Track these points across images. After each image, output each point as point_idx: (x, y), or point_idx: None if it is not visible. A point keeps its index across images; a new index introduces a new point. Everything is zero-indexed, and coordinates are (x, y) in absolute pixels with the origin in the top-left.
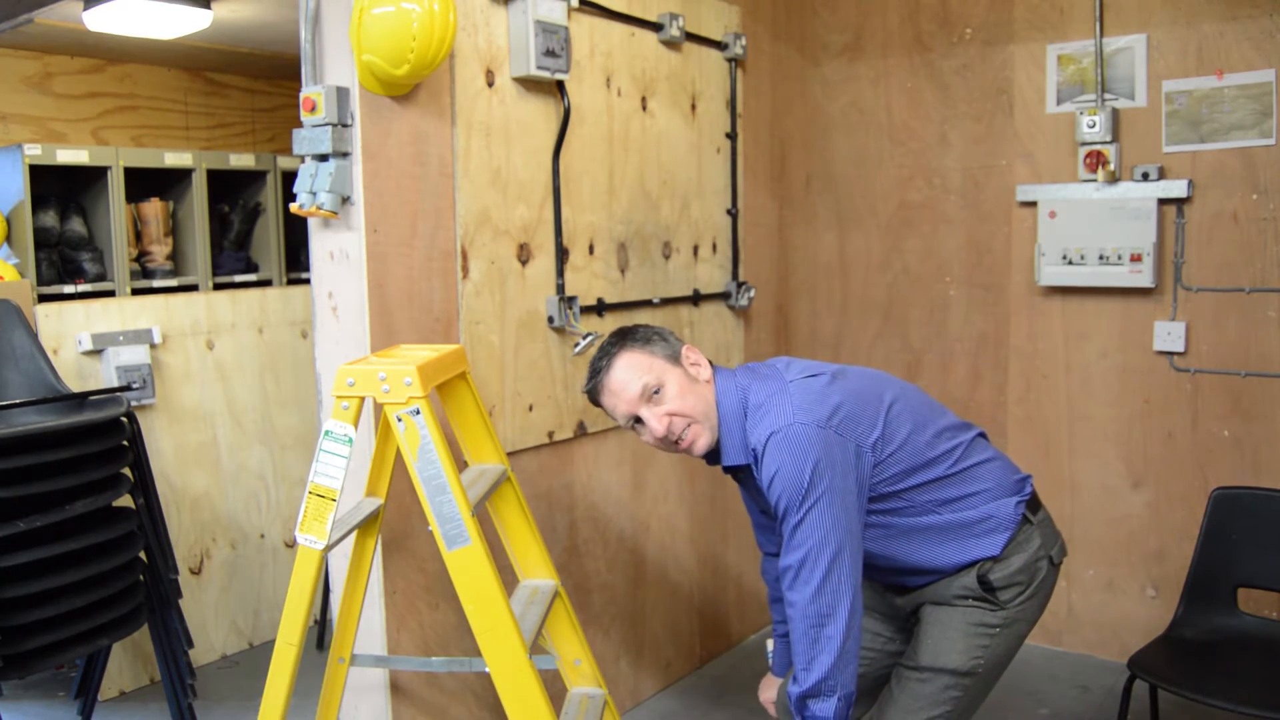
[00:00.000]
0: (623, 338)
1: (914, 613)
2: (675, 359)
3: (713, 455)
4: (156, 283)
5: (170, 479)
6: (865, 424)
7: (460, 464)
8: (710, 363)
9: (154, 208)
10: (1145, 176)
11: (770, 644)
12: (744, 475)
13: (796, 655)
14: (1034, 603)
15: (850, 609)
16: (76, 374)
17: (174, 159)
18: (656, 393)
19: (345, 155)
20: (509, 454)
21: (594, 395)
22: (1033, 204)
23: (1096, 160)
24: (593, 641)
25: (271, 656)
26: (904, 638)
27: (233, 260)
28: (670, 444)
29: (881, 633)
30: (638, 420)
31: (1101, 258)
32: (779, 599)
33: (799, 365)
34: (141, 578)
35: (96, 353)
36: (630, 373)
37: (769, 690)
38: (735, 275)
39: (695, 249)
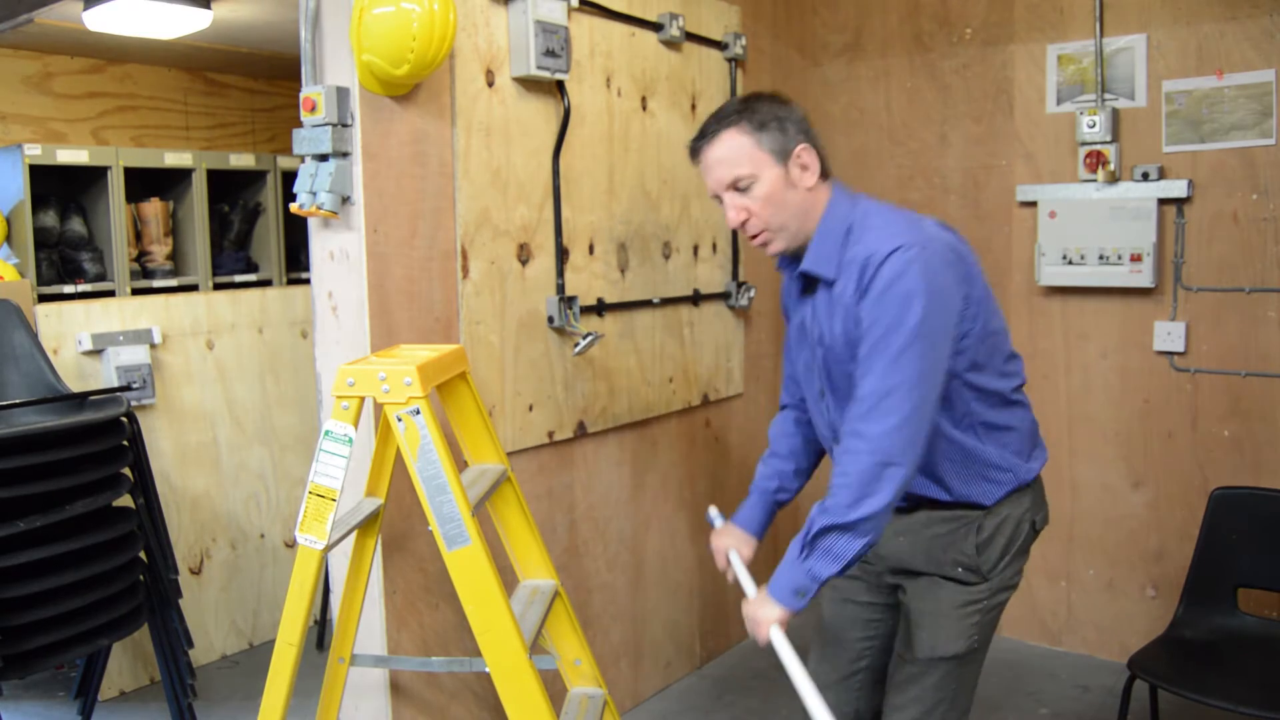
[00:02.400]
0: (743, 112)
1: (894, 580)
2: (783, 156)
3: (789, 263)
4: (156, 283)
5: (170, 479)
6: (977, 289)
7: (460, 464)
8: (828, 173)
9: (154, 208)
10: (1145, 176)
11: (714, 509)
12: (808, 292)
13: (844, 487)
14: (1013, 566)
15: (917, 459)
16: (76, 374)
17: (174, 159)
18: (747, 186)
19: (345, 155)
20: (509, 454)
21: (693, 154)
22: (1033, 204)
23: (1096, 160)
24: (593, 641)
25: (271, 656)
26: (890, 612)
27: (233, 260)
28: (745, 235)
29: (873, 617)
30: (720, 198)
31: (1101, 258)
32: (778, 454)
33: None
34: (141, 578)
35: (96, 353)
36: (728, 154)
37: (727, 538)
38: (735, 275)
39: (695, 249)
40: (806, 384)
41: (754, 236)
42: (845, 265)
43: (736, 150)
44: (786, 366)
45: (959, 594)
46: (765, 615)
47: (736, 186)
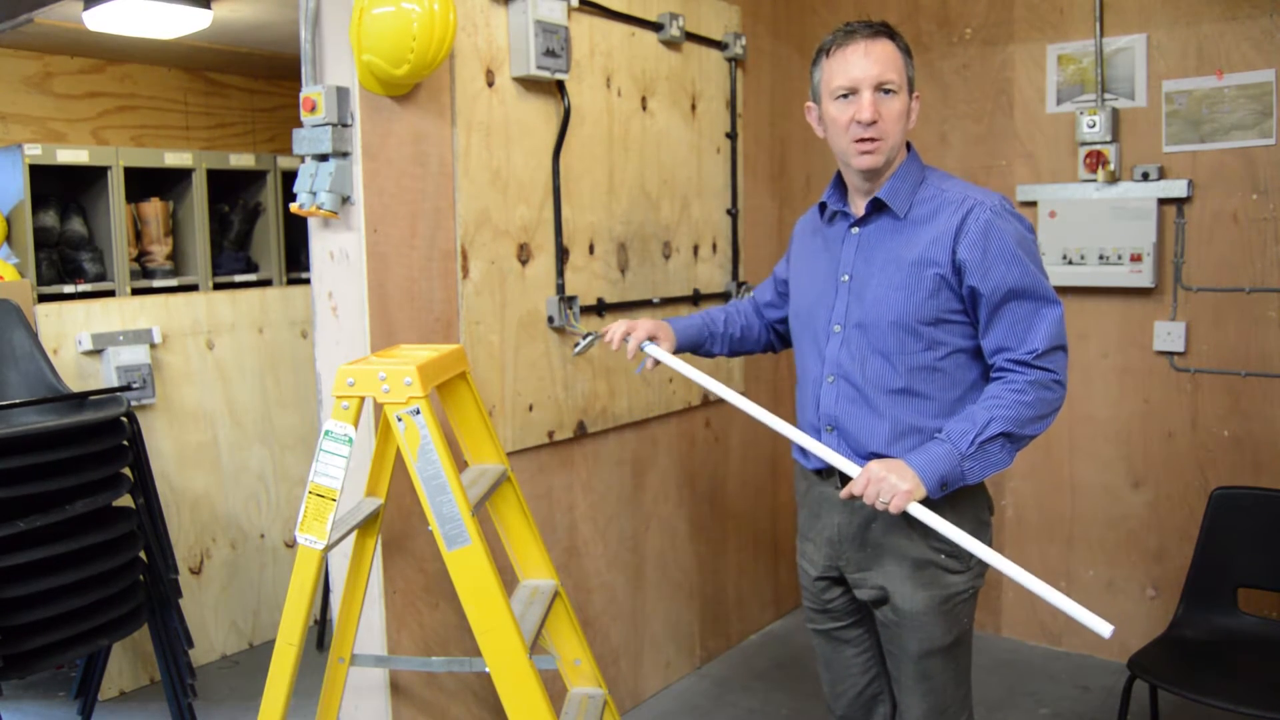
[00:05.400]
0: (896, 35)
1: (871, 591)
2: (911, 90)
3: (838, 194)
4: (156, 283)
5: (170, 479)
6: None
7: (460, 464)
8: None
9: (154, 208)
10: (1145, 176)
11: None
12: (857, 225)
13: (1024, 404)
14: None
15: None
16: (76, 374)
17: (174, 159)
18: (887, 93)
19: (345, 155)
20: (509, 454)
21: (839, 42)
22: (1033, 204)
23: (1096, 160)
24: (593, 641)
25: (271, 656)
26: (871, 622)
27: (233, 260)
28: (858, 134)
29: (860, 634)
30: (849, 93)
31: (1101, 258)
32: (725, 311)
33: None
34: (141, 578)
35: (96, 353)
36: (889, 58)
37: (647, 325)
38: (735, 275)
39: (695, 249)
40: (812, 319)
41: (869, 139)
42: (921, 202)
43: (894, 59)
44: (772, 281)
45: (943, 589)
46: (904, 487)
47: (882, 88)
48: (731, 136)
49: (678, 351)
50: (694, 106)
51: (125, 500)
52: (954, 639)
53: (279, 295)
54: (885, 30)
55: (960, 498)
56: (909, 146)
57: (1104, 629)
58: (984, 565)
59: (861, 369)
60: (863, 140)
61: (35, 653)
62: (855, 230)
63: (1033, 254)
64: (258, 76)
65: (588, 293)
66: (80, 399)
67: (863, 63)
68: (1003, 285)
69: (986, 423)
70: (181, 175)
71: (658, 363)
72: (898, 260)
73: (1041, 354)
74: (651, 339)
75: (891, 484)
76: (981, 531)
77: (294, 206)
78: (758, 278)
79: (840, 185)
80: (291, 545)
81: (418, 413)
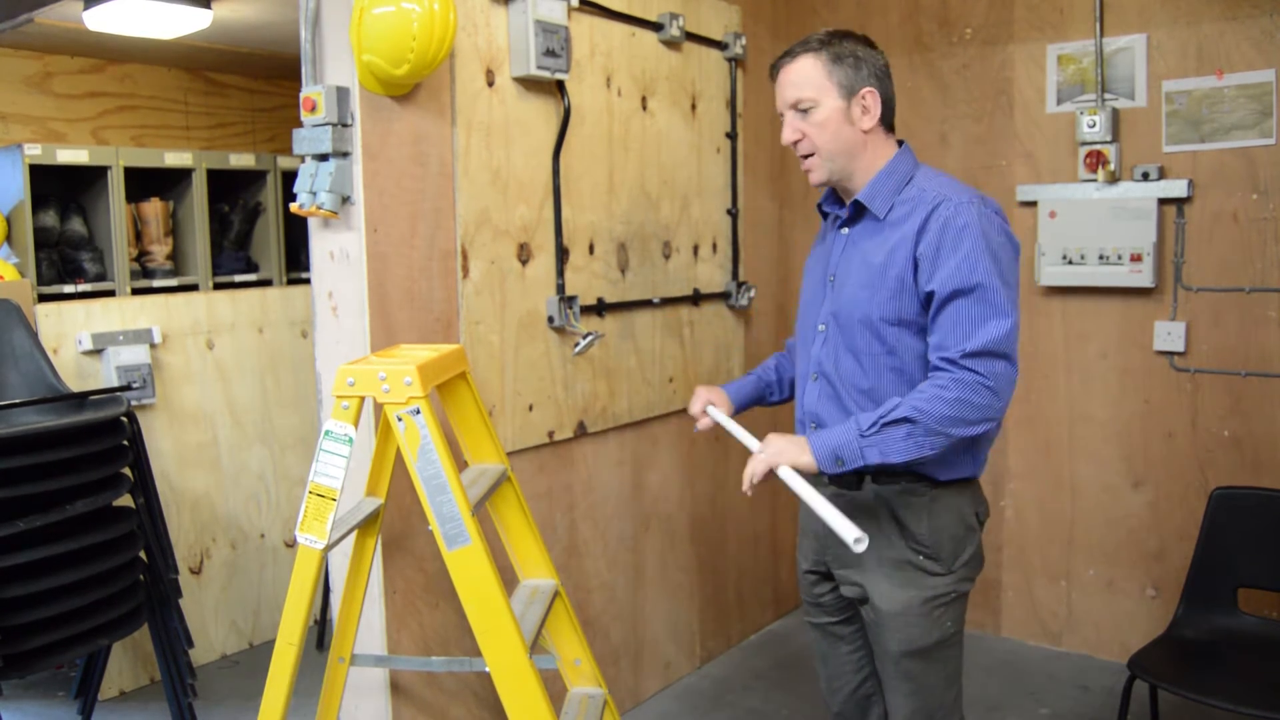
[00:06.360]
0: (826, 43)
1: (852, 590)
2: (849, 92)
3: (832, 195)
4: (156, 282)
5: (170, 479)
6: (1014, 279)
7: (460, 464)
8: (892, 127)
9: (154, 208)
10: (1145, 176)
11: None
12: (846, 226)
13: (943, 400)
14: (969, 551)
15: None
16: (76, 374)
17: (174, 159)
18: (807, 109)
19: (345, 155)
20: (509, 454)
21: (772, 72)
22: (1033, 204)
23: (1096, 160)
24: (593, 641)
25: (271, 656)
26: (863, 634)
27: (233, 260)
28: (796, 154)
29: (853, 629)
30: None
31: (1101, 258)
32: (783, 357)
33: None
34: (141, 578)
35: (96, 352)
36: (799, 77)
37: (707, 394)
38: (735, 275)
39: (695, 249)
40: (806, 318)
41: (804, 158)
42: (902, 202)
43: (807, 75)
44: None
45: (923, 590)
46: (788, 456)
47: (798, 107)
48: (731, 136)
49: (739, 411)
50: (694, 106)
51: (125, 500)
52: (935, 641)
53: (279, 295)
54: (806, 47)
55: (942, 497)
56: (901, 145)
57: (849, 534)
58: (969, 569)
59: (836, 367)
60: (803, 158)
61: (35, 653)
62: (845, 231)
63: (998, 258)
64: (258, 76)
65: (588, 293)
66: (80, 399)
67: (782, 90)
68: (950, 281)
69: (894, 407)
70: (181, 175)
71: (715, 424)
72: (868, 260)
73: (972, 354)
74: (711, 404)
75: (775, 447)
76: (967, 535)
77: (294, 206)
78: (758, 277)
79: (834, 188)
80: (291, 545)
81: (418, 412)
